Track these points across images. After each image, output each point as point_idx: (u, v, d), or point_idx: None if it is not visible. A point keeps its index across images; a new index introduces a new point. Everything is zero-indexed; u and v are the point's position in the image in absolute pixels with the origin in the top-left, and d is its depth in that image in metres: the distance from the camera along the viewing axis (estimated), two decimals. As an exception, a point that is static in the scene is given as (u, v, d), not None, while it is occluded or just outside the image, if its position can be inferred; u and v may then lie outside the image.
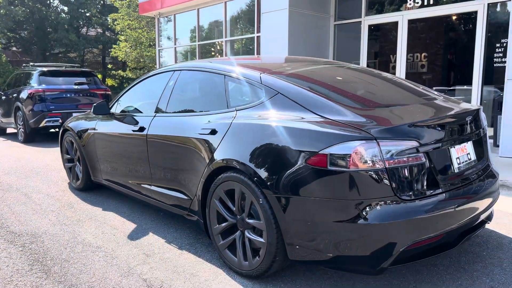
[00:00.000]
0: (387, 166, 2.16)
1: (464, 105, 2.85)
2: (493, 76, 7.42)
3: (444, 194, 2.30)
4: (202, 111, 3.12)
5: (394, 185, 2.17)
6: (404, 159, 2.20)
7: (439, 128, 2.42)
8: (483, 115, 2.85)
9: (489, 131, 7.02)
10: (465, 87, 7.81)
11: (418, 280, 2.57)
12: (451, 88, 8.68)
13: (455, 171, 2.43)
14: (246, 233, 2.62)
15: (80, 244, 3.25)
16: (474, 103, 7.21)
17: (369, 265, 2.24)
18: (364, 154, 2.15)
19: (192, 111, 3.27)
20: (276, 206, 2.37)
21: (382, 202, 2.16)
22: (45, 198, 4.52)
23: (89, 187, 4.69)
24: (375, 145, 2.16)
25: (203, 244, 3.20)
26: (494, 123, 6.88)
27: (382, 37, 9.84)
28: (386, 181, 2.16)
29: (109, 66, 30.32)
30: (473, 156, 2.62)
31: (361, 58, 8.84)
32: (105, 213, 4.01)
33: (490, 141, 6.79)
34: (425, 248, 2.31)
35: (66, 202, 4.38)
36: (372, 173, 2.15)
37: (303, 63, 3.61)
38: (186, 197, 3.12)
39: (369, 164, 2.15)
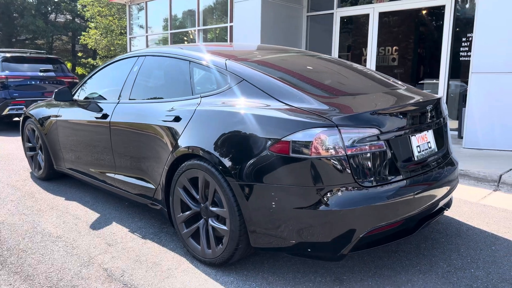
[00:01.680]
0: (348, 153, 2.18)
1: (426, 95, 2.90)
2: (460, 70, 7.62)
3: (404, 181, 2.34)
4: (166, 98, 3.06)
5: (354, 172, 2.19)
6: (365, 146, 2.22)
7: (400, 117, 2.45)
8: (444, 105, 2.91)
9: (455, 124, 7.24)
10: (434, 80, 7.99)
11: (379, 265, 2.62)
12: (420, 82, 8.85)
13: (415, 159, 2.48)
14: (210, 221, 2.60)
15: (40, 234, 3.14)
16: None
17: (330, 252, 2.26)
18: (325, 141, 2.15)
19: (156, 97, 3.20)
20: (239, 194, 2.36)
21: (343, 189, 2.18)
22: (4, 187, 4.35)
23: (52, 176, 4.55)
24: (337, 133, 2.17)
25: (167, 233, 3.16)
26: (459, 116, 7.09)
27: (354, 30, 9.94)
28: (347, 168, 2.18)
29: (79, 54, 29.44)
30: (433, 145, 2.67)
31: (333, 51, 8.90)
32: (67, 202, 3.90)
33: (455, 133, 7.00)
34: (385, 234, 2.34)
35: (27, 191, 4.23)
36: (333, 160, 2.16)
37: (271, 51, 3.59)
38: (150, 186, 3.06)
39: (330, 151, 2.16)
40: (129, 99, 3.34)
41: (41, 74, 8.97)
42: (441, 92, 7.39)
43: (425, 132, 2.60)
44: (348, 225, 2.18)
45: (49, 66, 9.29)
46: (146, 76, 3.36)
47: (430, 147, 2.64)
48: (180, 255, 2.80)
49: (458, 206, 3.67)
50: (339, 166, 2.17)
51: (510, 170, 4.42)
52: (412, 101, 2.69)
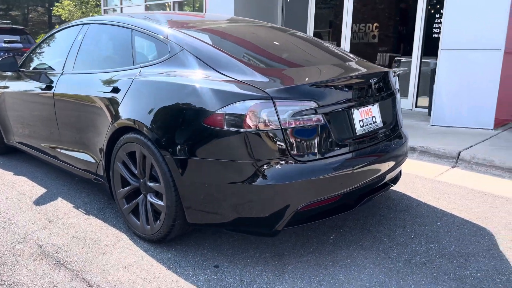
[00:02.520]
0: (283, 126, 2.10)
1: (373, 67, 2.82)
2: (435, 47, 7.57)
3: (342, 156, 2.28)
4: (108, 68, 2.91)
5: (290, 146, 2.12)
6: (301, 120, 2.15)
7: (342, 90, 2.38)
8: (393, 78, 2.84)
9: (425, 101, 7.23)
10: (409, 58, 7.93)
11: (322, 241, 2.59)
12: (397, 58, 8.78)
13: (357, 134, 2.41)
14: (148, 197, 2.51)
15: (-22, 210, 3.03)
16: (414, 74, 7.35)
17: (264, 227, 2.21)
18: (259, 114, 2.07)
19: (98, 67, 3.04)
20: (174, 169, 2.27)
21: (277, 163, 2.11)
22: (-47, 162, 4.19)
23: (3, 150, 4.38)
24: (271, 105, 2.08)
25: (112, 209, 3.07)
26: (430, 93, 7.07)
27: (331, 6, 9.75)
28: (282, 142, 2.11)
29: (56, 26, 28.47)
30: (378, 119, 2.61)
31: (308, 27, 8.74)
32: (15, 177, 3.77)
33: (425, 111, 6.99)
34: (322, 210, 2.30)
35: (-25, 166, 4.07)
36: (267, 134, 2.08)
37: (222, 21, 3.44)
38: (92, 161, 2.95)
39: (264, 124, 2.08)
40: (73, 70, 3.18)
41: (6, 45, 8.62)
42: (414, 69, 7.34)
43: (369, 106, 2.54)
44: (282, 200, 2.12)
45: (16, 37, 8.93)
46: (89, 46, 3.19)
47: (375, 122, 2.58)
48: (121, 231, 2.73)
49: (412, 182, 3.66)
50: (274, 140, 2.10)
51: (470, 147, 4.43)
52: (356, 74, 2.60)
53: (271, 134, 2.09)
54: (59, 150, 3.35)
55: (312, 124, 2.18)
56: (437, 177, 3.84)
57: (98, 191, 3.42)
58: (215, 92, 2.17)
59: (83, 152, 3.05)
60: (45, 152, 3.58)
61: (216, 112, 2.12)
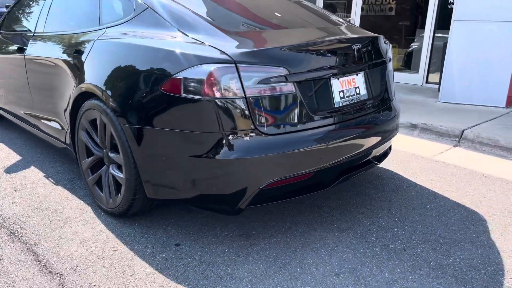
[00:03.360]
0: (247, 95, 1.88)
1: (362, 32, 2.54)
2: (449, 20, 7.12)
3: (315, 130, 2.05)
4: (75, 29, 2.70)
5: (255, 117, 1.90)
6: (269, 88, 1.92)
7: (320, 55, 2.12)
8: (384, 45, 2.56)
9: (437, 77, 6.85)
10: (422, 32, 7.51)
11: (296, 221, 2.41)
12: (412, 33, 8.32)
13: (335, 106, 2.18)
14: (110, 169, 2.35)
15: None
16: (425, 48, 6.96)
17: (227, 205, 2.03)
18: (219, 80, 1.85)
19: (66, 28, 2.83)
20: (131, 138, 2.09)
21: (240, 136, 1.90)
22: None
23: (-12, 117, 4.27)
24: (234, 70, 1.86)
25: (83, 180, 2.93)
26: (441, 69, 6.69)
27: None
28: (246, 112, 1.89)
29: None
30: (363, 90, 2.36)
31: (318, -6, 8.32)
32: (-7, 144, 3.66)
33: (434, 87, 6.63)
34: (291, 188, 2.10)
35: (-43, 132, 3.98)
36: (229, 102, 1.87)
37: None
38: (60, 128, 2.79)
39: (226, 91, 1.86)
40: (44, 31, 2.99)
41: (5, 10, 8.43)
42: (426, 43, 6.94)
43: (353, 76, 2.29)
44: (244, 177, 1.93)
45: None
46: (59, 5, 2.98)
47: (359, 93, 2.33)
48: (86, 204, 2.59)
49: (407, 161, 3.42)
50: (236, 110, 1.88)
51: (476, 125, 4.13)
52: (338, 38, 2.33)
53: (233, 103, 1.88)
54: (38, 119, 3.19)
55: (282, 93, 1.95)
56: (435, 156, 3.58)
57: (73, 161, 3.28)
58: (173, 54, 1.95)
59: (53, 120, 2.89)
60: (26, 121, 3.42)
61: (174, 76, 1.91)
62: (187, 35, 2.06)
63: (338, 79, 2.19)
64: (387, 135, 2.47)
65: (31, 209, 2.51)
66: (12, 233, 2.25)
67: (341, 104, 2.20)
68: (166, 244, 2.18)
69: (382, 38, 2.54)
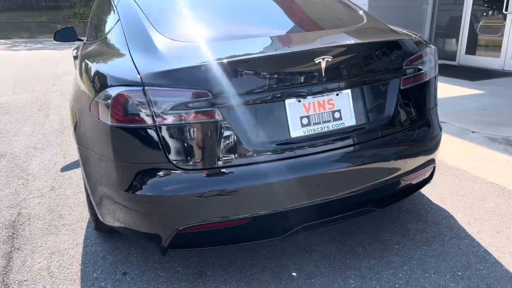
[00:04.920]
0: (157, 123, 1.59)
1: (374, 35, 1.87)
2: None
3: (250, 167, 1.62)
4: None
5: (168, 149, 1.61)
6: (185, 115, 1.59)
7: (266, 71, 1.63)
8: (408, 52, 1.82)
9: None
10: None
11: (266, 264, 1.99)
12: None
13: (291, 136, 1.67)
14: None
15: None
16: (508, 28, 5.05)
17: (154, 242, 1.79)
18: (124, 106, 1.61)
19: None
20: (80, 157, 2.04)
21: (153, 170, 1.63)
22: None
23: None
24: (141, 95, 1.59)
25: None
26: None
27: None
28: (158, 143, 1.61)
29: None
30: (348, 115, 1.75)
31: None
32: None
33: None
34: (225, 234, 1.71)
35: None
36: (138, 131, 1.62)
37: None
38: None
39: (133, 118, 1.61)
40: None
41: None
42: (509, 23, 5.23)
43: (330, 96, 1.71)
44: (155, 217, 1.66)
45: None
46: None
47: (340, 117, 1.74)
48: (89, 211, 2.67)
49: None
50: (146, 140, 1.62)
51: None
52: (310, 46, 1.73)
53: (142, 132, 1.61)
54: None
55: (203, 121, 1.59)
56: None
57: None
58: (100, 74, 1.79)
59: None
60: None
61: (94, 99, 1.75)
62: (128, 49, 1.86)
63: (300, 101, 1.68)
64: (392, 175, 1.80)
65: (45, 211, 2.71)
66: (13, 233, 2.47)
67: (302, 134, 1.68)
68: (115, 271, 2.06)
69: (403, 42, 1.83)
